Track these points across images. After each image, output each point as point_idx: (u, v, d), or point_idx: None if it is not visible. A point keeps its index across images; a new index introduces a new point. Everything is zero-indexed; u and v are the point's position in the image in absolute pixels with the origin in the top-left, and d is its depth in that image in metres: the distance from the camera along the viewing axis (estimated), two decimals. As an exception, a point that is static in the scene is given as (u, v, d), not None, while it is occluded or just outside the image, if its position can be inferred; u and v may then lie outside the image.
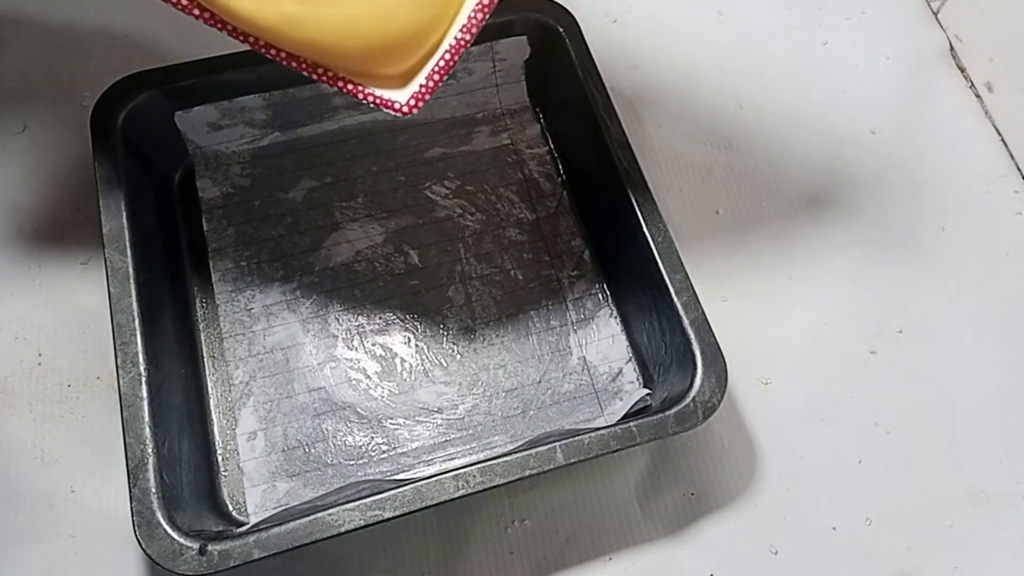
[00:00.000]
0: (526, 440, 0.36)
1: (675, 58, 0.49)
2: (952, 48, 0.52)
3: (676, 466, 0.38)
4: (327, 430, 0.37)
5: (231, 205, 0.41)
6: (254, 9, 0.27)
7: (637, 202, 0.37)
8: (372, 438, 0.37)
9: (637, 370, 0.39)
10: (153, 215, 0.38)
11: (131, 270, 0.34)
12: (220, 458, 0.36)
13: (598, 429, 0.33)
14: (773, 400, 0.40)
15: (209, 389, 0.37)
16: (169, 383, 0.34)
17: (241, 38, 0.28)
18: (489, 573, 0.36)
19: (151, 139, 0.39)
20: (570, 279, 0.41)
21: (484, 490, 0.31)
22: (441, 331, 0.39)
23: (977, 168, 0.48)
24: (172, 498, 0.31)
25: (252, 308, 0.39)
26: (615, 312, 0.41)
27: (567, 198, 0.43)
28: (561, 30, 0.41)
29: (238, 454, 0.36)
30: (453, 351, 0.39)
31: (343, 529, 0.30)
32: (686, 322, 0.35)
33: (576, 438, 0.32)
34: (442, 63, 0.29)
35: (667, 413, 0.33)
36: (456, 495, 0.31)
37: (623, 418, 0.35)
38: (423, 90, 0.29)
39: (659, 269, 0.36)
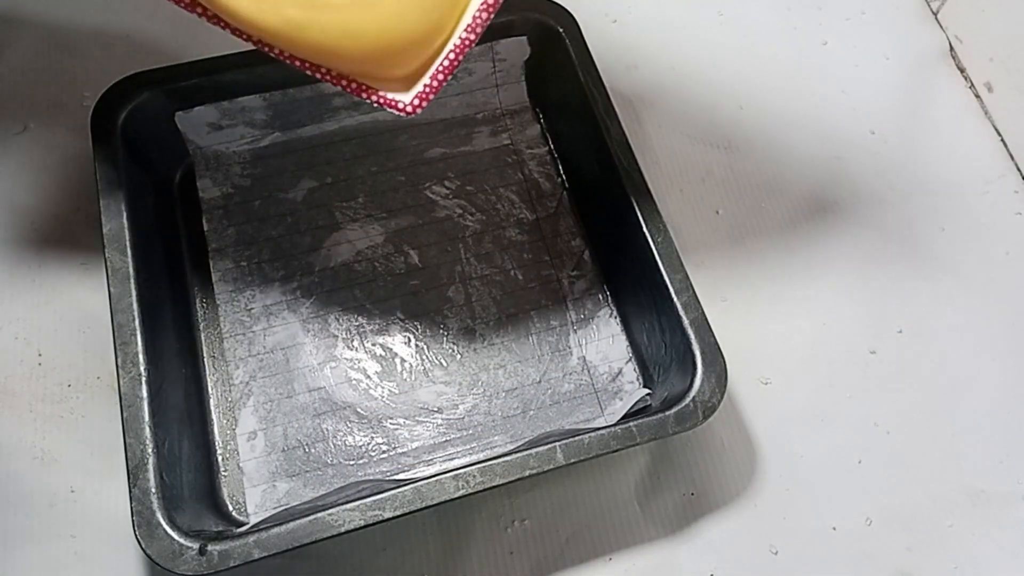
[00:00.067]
0: (526, 440, 0.36)
1: (675, 58, 0.49)
2: (952, 48, 0.52)
3: (676, 466, 0.38)
4: (327, 430, 0.37)
5: (231, 205, 0.41)
6: (256, 13, 0.27)
7: (637, 202, 0.37)
8: (372, 438, 0.37)
9: (637, 370, 0.39)
10: (153, 215, 0.38)
11: (131, 270, 0.34)
12: (220, 458, 0.36)
13: (598, 429, 0.33)
14: (773, 400, 0.40)
15: (209, 389, 0.37)
16: (169, 383, 0.34)
17: (243, 37, 0.28)
18: (489, 573, 0.36)
19: (151, 139, 0.39)
20: (570, 279, 0.41)
21: (484, 490, 0.31)
22: (441, 331, 0.39)
23: (977, 168, 0.48)
24: (172, 498, 0.31)
25: (252, 308, 0.39)
26: (615, 312, 0.41)
27: (567, 198, 0.43)
28: (561, 30, 0.41)
29: (238, 454, 0.36)
30: (453, 351, 0.39)
31: (343, 529, 0.30)
32: (686, 322, 0.35)
33: (576, 438, 0.32)
34: (446, 63, 0.29)
35: (667, 413, 0.33)
36: (456, 495, 0.31)
37: (623, 418, 0.35)
38: (427, 90, 0.29)
39: (659, 269, 0.36)
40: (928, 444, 0.40)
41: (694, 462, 0.39)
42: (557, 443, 0.32)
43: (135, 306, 0.33)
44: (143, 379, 0.32)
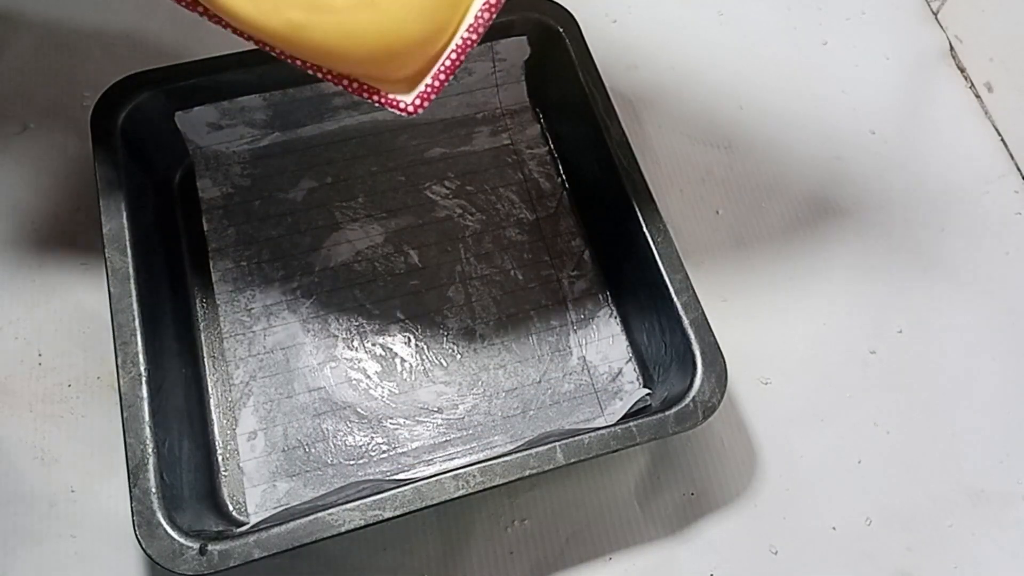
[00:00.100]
0: (526, 440, 0.36)
1: (675, 58, 0.49)
2: (952, 48, 0.52)
3: (676, 466, 0.38)
4: (327, 430, 0.37)
5: (231, 205, 0.41)
6: (256, 15, 0.27)
7: (637, 202, 0.37)
8: (372, 438, 0.37)
9: (637, 370, 0.39)
10: (153, 215, 0.38)
11: (131, 270, 0.34)
12: (220, 458, 0.36)
13: (598, 429, 0.33)
14: (773, 400, 0.40)
15: (209, 389, 0.37)
16: (169, 383, 0.34)
17: (244, 37, 0.28)
18: (489, 573, 0.36)
19: (151, 139, 0.39)
20: (570, 279, 0.41)
21: (484, 490, 0.31)
22: (441, 331, 0.39)
23: (977, 168, 0.48)
24: (172, 498, 0.31)
25: (252, 308, 0.39)
26: (615, 312, 0.41)
27: (567, 198, 0.43)
28: (561, 30, 0.41)
29: (238, 454, 0.36)
30: (453, 351, 0.39)
31: (343, 529, 0.30)
32: (686, 322, 0.35)
33: (576, 438, 0.32)
34: (448, 63, 0.29)
35: (667, 413, 0.33)
36: (456, 495, 0.31)
37: (623, 418, 0.35)
38: (429, 90, 0.29)
39: (659, 269, 0.36)
40: (928, 444, 0.40)
41: (694, 462, 0.39)
42: (557, 443, 0.32)
43: (135, 306, 0.33)
44: (143, 379, 0.32)
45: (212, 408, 0.37)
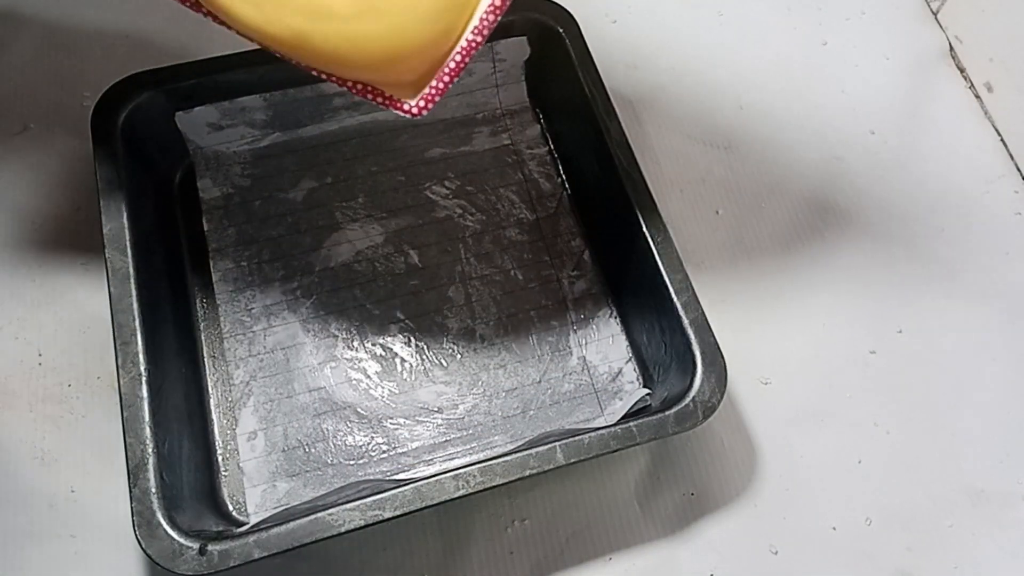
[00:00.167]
0: (526, 440, 0.36)
1: (675, 58, 0.49)
2: (952, 48, 0.52)
3: (676, 466, 0.38)
4: (327, 430, 0.37)
5: (231, 205, 0.41)
6: (260, 22, 0.27)
7: (637, 202, 0.37)
8: (372, 438, 0.37)
9: (637, 370, 0.39)
10: (153, 215, 0.38)
11: (131, 270, 0.34)
12: (220, 458, 0.36)
13: (598, 429, 0.33)
14: (773, 400, 0.40)
15: (209, 389, 0.37)
16: (169, 383, 0.34)
17: (247, 38, 0.28)
18: (489, 573, 0.36)
19: (151, 139, 0.39)
20: (570, 279, 0.41)
21: (484, 490, 0.31)
22: (441, 331, 0.39)
23: (977, 168, 0.48)
24: (172, 498, 0.31)
25: (252, 308, 0.39)
26: (615, 312, 0.41)
27: (567, 198, 0.43)
28: (561, 30, 0.41)
29: (238, 454, 0.36)
30: (453, 351, 0.39)
31: (343, 529, 0.30)
32: (686, 322, 0.35)
33: (576, 438, 0.32)
34: (453, 65, 0.29)
35: (667, 413, 0.33)
36: (456, 495, 0.31)
37: (623, 418, 0.35)
38: (433, 92, 0.29)
39: (659, 269, 0.36)
40: (928, 444, 0.40)
41: (694, 462, 0.39)
42: (557, 443, 0.32)
43: (135, 306, 0.33)
44: (143, 379, 0.32)
45: (212, 408, 0.37)
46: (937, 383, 0.41)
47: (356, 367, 0.38)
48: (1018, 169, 0.48)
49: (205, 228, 0.40)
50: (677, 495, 0.38)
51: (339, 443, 0.37)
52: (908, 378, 0.41)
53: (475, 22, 0.28)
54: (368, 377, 0.38)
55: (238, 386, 0.37)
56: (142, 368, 0.32)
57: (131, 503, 0.30)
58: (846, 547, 0.38)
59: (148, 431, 0.31)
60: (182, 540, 0.29)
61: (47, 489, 0.36)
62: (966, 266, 0.45)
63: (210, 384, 0.37)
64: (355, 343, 0.39)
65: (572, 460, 0.32)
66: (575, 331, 0.40)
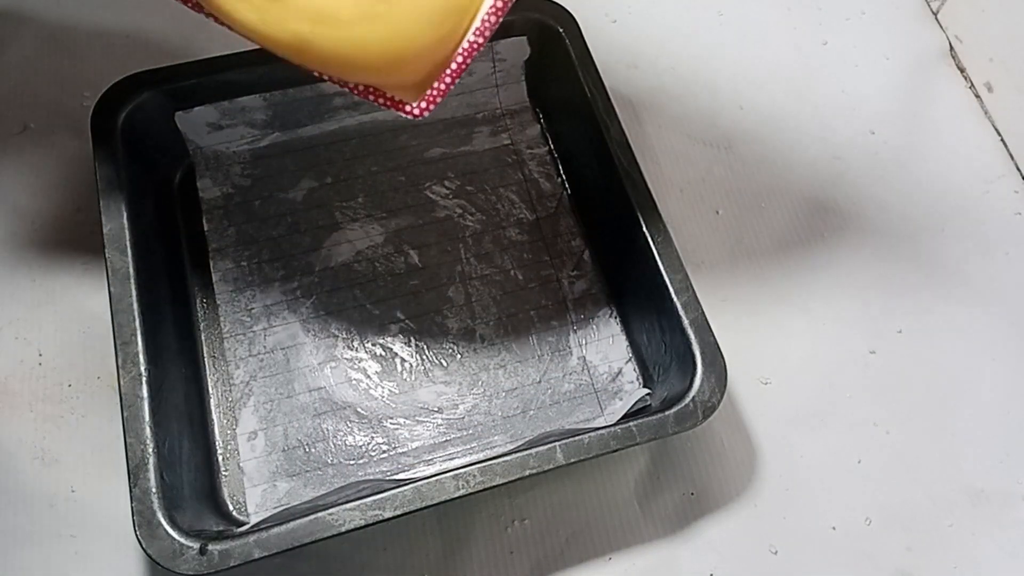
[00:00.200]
0: (526, 440, 0.36)
1: (675, 58, 0.49)
2: (952, 48, 0.52)
3: (676, 466, 0.38)
4: (327, 430, 0.37)
5: (231, 205, 0.41)
6: (262, 27, 0.26)
7: (637, 202, 0.37)
8: (372, 438, 0.37)
9: (637, 370, 0.39)
10: (153, 215, 0.38)
11: (131, 270, 0.34)
12: (220, 458, 0.36)
13: (598, 429, 0.33)
14: (773, 400, 0.40)
15: (209, 389, 0.37)
16: (169, 383, 0.34)
17: (248, 40, 0.28)
18: (489, 573, 0.36)
19: (151, 139, 0.39)
20: (570, 279, 0.41)
21: (484, 490, 0.31)
22: (441, 331, 0.39)
23: (977, 168, 0.48)
24: (172, 498, 0.31)
25: (252, 308, 0.39)
26: (615, 312, 0.41)
27: (567, 198, 0.43)
28: (561, 30, 0.41)
29: (238, 454, 0.36)
30: (453, 351, 0.39)
31: (343, 529, 0.30)
32: (686, 322, 0.35)
33: (576, 438, 0.32)
34: (455, 66, 0.29)
35: (667, 413, 0.33)
36: (456, 495, 0.31)
37: (623, 418, 0.35)
38: (436, 93, 0.29)
39: (659, 269, 0.36)
40: (928, 444, 0.40)
41: (694, 462, 0.39)
42: (557, 443, 0.32)
43: (135, 306, 0.33)
44: (143, 379, 0.32)
45: (212, 408, 0.37)
46: (937, 383, 0.41)
47: (356, 367, 0.38)
48: (1018, 169, 0.48)
49: (205, 228, 0.40)
50: (677, 495, 0.38)
51: (339, 443, 0.37)
52: (908, 378, 0.41)
53: (477, 23, 0.28)
54: (368, 377, 0.38)
55: (238, 386, 0.37)
56: (142, 368, 0.32)
57: (131, 503, 0.30)
58: (846, 547, 0.38)
59: (148, 431, 0.31)
60: (182, 540, 0.29)
61: (47, 489, 0.36)
62: (966, 266, 0.45)
63: (210, 384, 0.37)
64: (355, 343, 0.39)
65: (572, 460, 0.32)
66: (575, 331, 0.40)
